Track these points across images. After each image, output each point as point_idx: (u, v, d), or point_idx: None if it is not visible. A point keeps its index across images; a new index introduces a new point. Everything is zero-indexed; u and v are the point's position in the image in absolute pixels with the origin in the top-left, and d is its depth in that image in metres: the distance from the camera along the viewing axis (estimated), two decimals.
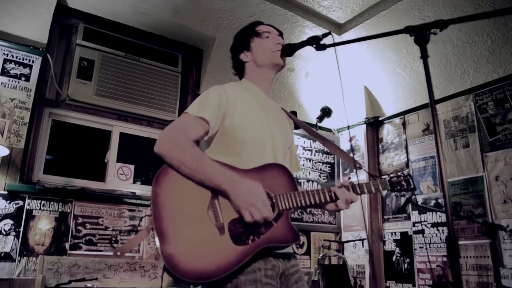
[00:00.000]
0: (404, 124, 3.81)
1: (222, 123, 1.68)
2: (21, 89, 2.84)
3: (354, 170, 3.98)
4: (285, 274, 1.61)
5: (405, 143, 3.79)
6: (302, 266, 3.73)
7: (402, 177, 1.73)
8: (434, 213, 3.43)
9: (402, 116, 3.85)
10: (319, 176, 4.06)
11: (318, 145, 4.14)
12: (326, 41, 1.84)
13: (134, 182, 3.31)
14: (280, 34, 1.97)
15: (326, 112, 3.99)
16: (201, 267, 1.43)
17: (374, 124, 4.06)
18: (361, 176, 3.63)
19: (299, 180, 3.91)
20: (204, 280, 1.42)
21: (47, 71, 2.99)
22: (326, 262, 3.55)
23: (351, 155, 4.07)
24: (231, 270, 1.45)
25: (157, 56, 3.44)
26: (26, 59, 2.89)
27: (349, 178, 1.76)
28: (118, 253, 2.02)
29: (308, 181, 3.96)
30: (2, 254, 2.58)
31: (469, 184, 3.23)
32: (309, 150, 4.08)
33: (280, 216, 1.58)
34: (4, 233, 2.62)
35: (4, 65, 2.81)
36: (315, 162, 4.08)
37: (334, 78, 4.02)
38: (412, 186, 1.72)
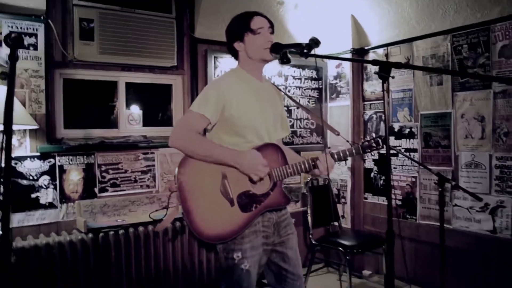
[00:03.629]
0: (387, 56, 4.09)
1: (222, 115, 2.13)
2: (32, 59, 3.07)
3: (342, 96, 4.37)
4: (277, 222, 2.21)
5: None
6: (294, 182, 4.36)
7: (372, 140, 2.21)
8: (407, 140, 3.94)
9: (386, 48, 4.11)
10: (308, 102, 4.46)
11: (307, 73, 4.45)
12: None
13: (144, 125, 3.72)
14: (271, 26, 2.25)
15: (314, 43, 4.21)
16: (220, 231, 2.05)
17: (359, 53, 4.32)
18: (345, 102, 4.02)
19: (290, 108, 4.32)
20: (223, 240, 2.04)
21: (51, 36, 3.17)
22: (314, 183, 4.15)
23: (337, 80, 4.44)
24: (242, 231, 2.06)
25: (151, 5, 3.57)
26: (30, 29, 3.07)
27: (329, 148, 2.22)
28: (158, 230, 2.60)
29: (298, 107, 4.37)
30: (47, 204, 3.13)
31: (439, 118, 3.68)
32: (299, 78, 4.41)
33: (275, 186, 2.15)
34: (45, 187, 3.13)
35: None
36: (304, 89, 4.45)
37: (322, 8, 4.18)
38: (380, 146, 2.22)
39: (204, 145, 2.05)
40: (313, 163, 2.14)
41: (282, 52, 2.29)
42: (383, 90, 1.89)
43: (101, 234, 3.07)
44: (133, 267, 3.18)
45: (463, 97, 3.52)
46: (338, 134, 2.37)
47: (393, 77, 3.56)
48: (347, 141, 2.40)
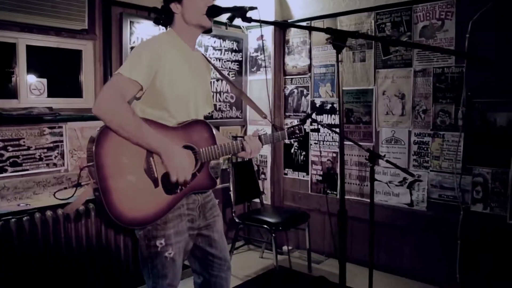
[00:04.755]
0: (310, 31, 4.04)
1: (152, 81, 1.88)
2: None
3: (263, 69, 4.26)
4: (203, 204, 2.07)
5: (309, 47, 4.09)
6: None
7: (296, 127, 2.18)
8: (329, 115, 3.96)
9: (309, 22, 4.06)
10: (228, 74, 4.28)
11: (227, 44, 4.26)
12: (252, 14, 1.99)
13: (49, 96, 3.27)
14: None
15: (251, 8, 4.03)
16: (141, 214, 1.84)
17: (281, 26, 4.22)
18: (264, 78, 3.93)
19: (211, 80, 4.11)
20: (144, 225, 1.85)
21: None
22: (234, 160, 4.03)
23: (259, 53, 4.31)
24: (164, 215, 1.88)
25: None
26: None
27: (257, 130, 2.14)
28: (67, 213, 2.28)
29: (218, 80, 4.17)
30: None
31: (361, 94, 3.74)
32: (219, 49, 4.20)
33: (202, 167, 1.98)
34: None
35: None
36: (225, 61, 4.25)
37: None
38: (303, 134, 2.21)
39: (135, 124, 1.77)
40: (241, 145, 2.04)
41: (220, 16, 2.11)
42: (337, 61, 1.78)
43: (0, 222, 2.64)
44: (41, 257, 2.81)
45: (385, 74, 3.60)
46: (265, 117, 2.27)
47: (351, 48, 3.51)
48: (273, 125, 2.34)
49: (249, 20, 1.97)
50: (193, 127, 1.95)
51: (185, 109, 1.96)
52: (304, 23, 4.09)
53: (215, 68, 2.38)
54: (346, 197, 3.79)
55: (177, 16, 1.98)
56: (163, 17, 2.05)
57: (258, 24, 2.06)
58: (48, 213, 2.86)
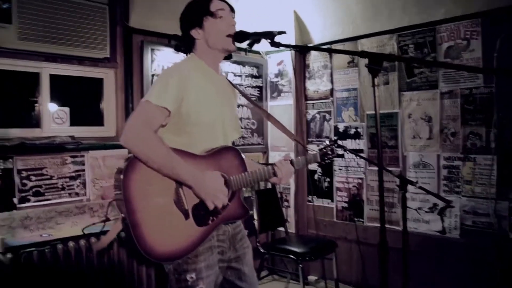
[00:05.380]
0: (330, 54, 4.01)
1: (178, 108, 1.81)
2: None
3: (284, 94, 4.22)
4: (233, 234, 1.97)
5: (331, 72, 4.04)
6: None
7: (328, 148, 2.11)
8: (353, 140, 3.87)
9: (329, 46, 4.02)
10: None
11: (247, 69, 4.24)
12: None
13: (72, 125, 3.25)
14: (232, 10, 2.01)
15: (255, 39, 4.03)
16: (172, 249, 1.76)
17: (302, 50, 4.20)
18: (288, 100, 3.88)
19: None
20: (175, 259, 1.75)
21: None
22: (260, 187, 3.94)
23: (279, 78, 4.28)
24: (196, 248, 1.79)
25: None
26: None
27: (288, 154, 2.07)
28: (97, 250, 2.22)
29: (239, 106, 4.13)
30: None
31: (386, 118, 3.65)
32: (239, 75, 4.18)
33: (234, 196, 1.90)
34: None
35: None
36: (245, 87, 4.23)
37: (264, 2, 4.00)
38: (335, 154, 2.12)
39: (164, 153, 1.71)
40: (273, 170, 1.96)
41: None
42: (373, 85, 1.71)
43: (23, 254, 2.58)
44: None
45: (410, 97, 3.52)
46: (295, 140, 2.21)
47: (385, 70, 3.42)
48: (304, 148, 2.26)
49: (278, 45, 1.93)
50: (222, 154, 1.88)
51: (213, 136, 1.89)
52: (324, 47, 4.06)
53: (241, 92, 2.34)
54: (372, 224, 3.70)
55: (199, 41, 1.94)
56: (183, 44, 2.01)
57: (278, 49, 2.03)
58: (71, 244, 2.79)
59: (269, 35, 1.90)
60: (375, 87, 1.78)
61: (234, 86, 2.19)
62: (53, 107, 3.15)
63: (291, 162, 1.99)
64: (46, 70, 3.11)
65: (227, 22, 1.91)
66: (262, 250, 3.55)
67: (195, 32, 1.93)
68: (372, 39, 3.72)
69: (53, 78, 3.14)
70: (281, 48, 4.17)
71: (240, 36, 1.92)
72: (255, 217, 3.74)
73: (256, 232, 3.71)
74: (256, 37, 1.94)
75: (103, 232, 2.77)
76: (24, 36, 2.87)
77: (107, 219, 1.85)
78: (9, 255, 2.54)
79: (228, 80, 2.18)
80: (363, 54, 1.76)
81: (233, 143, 4.03)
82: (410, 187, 3.30)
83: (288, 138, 2.19)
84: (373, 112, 3.69)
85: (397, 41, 3.58)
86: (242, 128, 4.19)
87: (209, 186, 1.75)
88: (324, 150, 2.07)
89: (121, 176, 1.67)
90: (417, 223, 3.46)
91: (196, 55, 1.97)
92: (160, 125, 1.81)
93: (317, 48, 3.92)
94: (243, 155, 1.97)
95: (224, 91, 2.03)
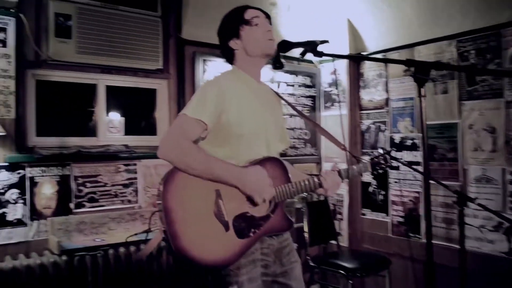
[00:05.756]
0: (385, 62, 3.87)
1: (218, 120, 1.80)
2: (1, 57, 2.71)
3: (338, 104, 4.13)
4: (279, 248, 1.91)
5: (386, 80, 3.90)
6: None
7: (381, 157, 1.99)
8: (409, 152, 3.69)
9: (384, 54, 3.88)
10: (302, 110, 4.18)
11: (300, 79, 4.19)
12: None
13: (126, 134, 3.37)
14: (268, 17, 1.99)
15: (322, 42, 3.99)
16: (211, 260, 1.73)
17: (356, 59, 4.09)
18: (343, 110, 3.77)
19: (283, 116, 4.02)
20: (214, 269, 1.74)
21: (23, 32, 2.82)
22: (311, 198, 3.86)
23: (333, 88, 4.19)
24: (237, 260, 1.75)
25: (135, 2, 3.25)
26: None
27: (336, 164, 1.99)
28: (140, 258, 2.27)
29: (291, 116, 4.09)
30: (15, 221, 2.75)
31: (445, 129, 3.45)
32: (292, 85, 4.14)
33: (276, 207, 1.84)
34: (13, 201, 2.75)
35: None
36: (298, 97, 4.18)
37: (316, 11, 3.94)
38: (389, 164, 1.99)
39: (201, 158, 1.72)
40: (319, 181, 1.88)
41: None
42: (419, 96, 1.61)
43: (77, 257, 2.69)
44: None
45: (471, 107, 3.30)
46: (344, 149, 2.11)
47: (433, 80, 3.23)
48: (354, 157, 2.15)
49: (320, 54, 1.88)
50: (265, 165, 1.83)
51: (256, 147, 1.87)
52: (379, 55, 3.92)
53: (285, 101, 2.30)
54: (432, 241, 3.47)
55: (238, 52, 1.94)
56: (224, 56, 2.02)
57: (331, 58, 1.97)
58: (121, 249, 2.87)
59: (311, 45, 1.86)
60: (422, 98, 1.65)
61: (278, 94, 2.16)
62: (108, 117, 3.29)
63: (339, 172, 1.92)
64: (102, 82, 3.25)
65: (263, 29, 1.90)
66: (311, 264, 3.46)
67: (233, 43, 1.93)
68: (430, 45, 3.54)
69: (109, 89, 3.28)
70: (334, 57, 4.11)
71: (283, 45, 1.90)
72: (306, 229, 3.66)
73: (306, 245, 3.62)
74: (298, 46, 1.91)
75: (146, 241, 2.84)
76: (82, 50, 3.02)
77: (149, 230, 1.88)
78: (64, 258, 2.66)
79: (271, 89, 2.15)
80: (408, 62, 1.67)
81: (284, 154, 4.03)
82: (472, 203, 3.10)
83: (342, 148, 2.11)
84: (431, 122, 3.51)
85: (456, 47, 3.38)
86: (294, 138, 4.14)
87: (255, 181, 1.73)
88: (376, 159, 1.97)
89: (161, 187, 1.69)
90: (480, 242, 3.21)
91: (237, 66, 1.97)
92: (197, 137, 1.81)
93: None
94: (286, 165, 1.93)
95: (267, 101, 2.01)
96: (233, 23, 1.92)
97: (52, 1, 2.91)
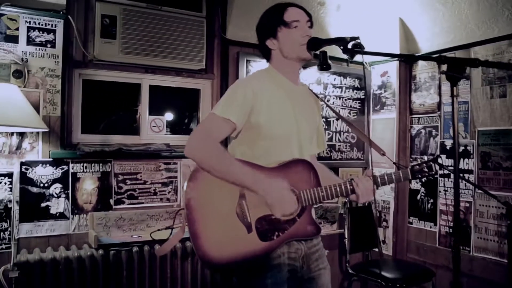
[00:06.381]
0: (439, 64, 3.64)
1: (248, 120, 1.78)
2: (49, 57, 2.83)
3: (382, 107, 3.96)
4: (307, 254, 1.85)
5: (439, 83, 3.68)
6: (330, 201, 3.94)
7: (424, 164, 1.86)
8: (461, 159, 3.46)
9: (439, 55, 3.65)
10: (349, 113, 4.05)
11: (348, 81, 4.06)
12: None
13: (167, 133, 3.43)
14: (310, 19, 1.93)
15: (356, 42, 3.84)
16: (231, 262, 1.70)
17: (408, 60, 3.90)
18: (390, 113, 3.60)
19: (328, 119, 3.92)
20: (233, 270, 1.76)
21: (71, 33, 2.94)
22: (353, 204, 3.73)
23: (382, 91, 4.02)
24: (258, 262, 1.72)
25: (179, 3, 3.29)
26: (49, 24, 2.83)
27: (372, 169, 1.89)
28: (159, 254, 2.29)
29: (337, 119, 3.97)
30: (57, 214, 2.87)
31: (501, 136, 3.19)
32: (339, 87, 4.01)
33: (303, 211, 1.80)
34: (56, 196, 2.87)
35: (29, 33, 2.77)
36: (345, 99, 4.04)
37: (367, 10, 3.79)
38: (433, 172, 1.85)
39: (226, 162, 1.70)
40: (350, 187, 1.80)
41: (322, 53, 2.00)
42: (452, 95, 1.49)
43: (112, 251, 2.76)
44: None
45: None
46: (384, 154, 2.01)
47: (467, 78, 3.03)
48: (394, 163, 2.03)
49: (351, 51, 1.79)
50: (292, 167, 1.80)
51: (287, 149, 1.83)
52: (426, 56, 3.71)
53: (325, 103, 2.25)
54: (480, 255, 3.24)
55: (275, 52, 1.91)
56: (262, 54, 1.99)
57: (382, 59, 1.88)
58: (156, 247, 2.91)
59: (342, 42, 1.78)
60: (455, 98, 1.53)
61: (316, 95, 2.10)
62: (151, 116, 3.35)
63: (374, 178, 1.82)
64: (146, 81, 3.32)
65: (301, 32, 1.85)
66: (350, 271, 3.34)
67: (270, 43, 1.90)
68: (488, 46, 3.29)
69: (152, 88, 3.34)
70: (386, 58, 3.96)
71: (313, 43, 1.84)
72: (346, 235, 3.54)
73: (346, 252, 3.50)
74: (328, 43, 1.84)
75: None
76: (127, 50, 3.09)
77: (172, 227, 1.90)
78: (100, 251, 2.75)
79: (310, 89, 2.09)
80: (439, 59, 1.57)
81: (330, 157, 3.92)
82: None
83: (390, 154, 2.01)
84: (486, 128, 3.27)
85: None
86: (340, 142, 4.01)
87: (275, 194, 1.69)
88: (418, 166, 1.84)
89: (185, 186, 1.70)
90: None
91: (272, 65, 1.94)
92: (225, 137, 1.80)
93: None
94: (318, 169, 1.86)
95: (302, 103, 1.95)
96: (271, 22, 1.89)
97: (99, 3, 3.01)
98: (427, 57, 2.51)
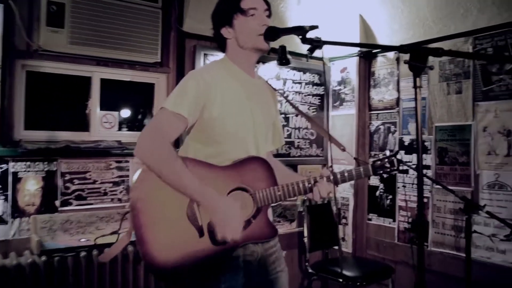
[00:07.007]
0: (398, 60, 3.65)
1: (201, 114, 1.67)
2: None
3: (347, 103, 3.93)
4: (263, 256, 1.75)
5: (398, 79, 3.68)
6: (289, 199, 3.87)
7: (386, 160, 1.80)
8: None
9: (400, 44, 3.65)
10: (308, 109, 3.99)
11: (308, 77, 4.00)
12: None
13: (120, 129, 3.24)
14: (268, 8, 1.83)
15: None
16: (182, 268, 1.58)
17: (367, 57, 3.88)
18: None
19: (287, 115, 3.85)
20: (188, 277, 1.61)
21: (12, 20, 2.71)
22: (313, 202, 3.67)
23: (342, 87, 3.99)
24: (210, 267, 1.61)
25: None
26: None
27: (331, 166, 1.83)
28: (103, 261, 2.14)
29: (297, 115, 3.91)
30: None
31: (457, 131, 3.22)
32: (299, 83, 3.95)
33: (259, 212, 1.69)
34: None
35: None
36: (305, 95, 3.99)
37: (328, 5, 3.75)
38: (395, 167, 1.78)
39: (176, 170, 1.56)
40: (309, 185, 1.71)
41: (281, 48, 1.92)
42: (414, 86, 1.43)
43: (56, 258, 2.56)
44: None
45: (486, 108, 3.07)
46: (344, 150, 1.93)
47: (431, 68, 3.03)
48: (354, 158, 1.96)
49: (310, 41, 1.69)
50: (247, 165, 1.69)
51: (242, 145, 1.72)
52: (391, 53, 3.71)
53: (284, 97, 2.15)
54: (438, 250, 3.26)
55: (230, 41, 1.79)
56: (217, 44, 1.87)
57: (342, 55, 1.80)
58: (106, 250, 2.74)
59: (300, 31, 1.68)
60: (418, 89, 1.48)
61: (273, 88, 2.00)
62: (102, 111, 3.16)
63: (334, 176, 1.73)
64: (97, 75, 3.12)
65: (259, 21, 1.74)
66: (310, 271, 3.28)
67: (225, 31, 1.78)
68: (445, 42, 3.30)
69: (104, 82, 3.15)
70: (346, 54, 3.93)
71: (271, 33, 1.73)
72: (305, 234, 3.48)
73: (306, 251, 3.44)
74: (286, 33, 1.74)
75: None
76: (76, 41, 2.88)
77: (118, 232, 1.75)
78: (43, 258, 2.54)
79: (268, 83, 1.99)
80: (401, 48, 1.51)
81: (288, 154, 3.85)
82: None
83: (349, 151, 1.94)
84: (443, 124, 3.29)
85: (473, 44, 3.15)
86: (299, 138, 3.95)
87: (221, 215, 1.56)
88: (380, 162, 1.77)
89: (131, 186, 1.57)
90: (490, 252, 2.98)
91: (228, 56, 1.82)
92: (178, 134, 1.67)
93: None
94: (274, 166, 1.76)
95: (259, 96, 1.84)
96: (227, 9, 1.77)
97: None
98: (388, 46, 2.47)
